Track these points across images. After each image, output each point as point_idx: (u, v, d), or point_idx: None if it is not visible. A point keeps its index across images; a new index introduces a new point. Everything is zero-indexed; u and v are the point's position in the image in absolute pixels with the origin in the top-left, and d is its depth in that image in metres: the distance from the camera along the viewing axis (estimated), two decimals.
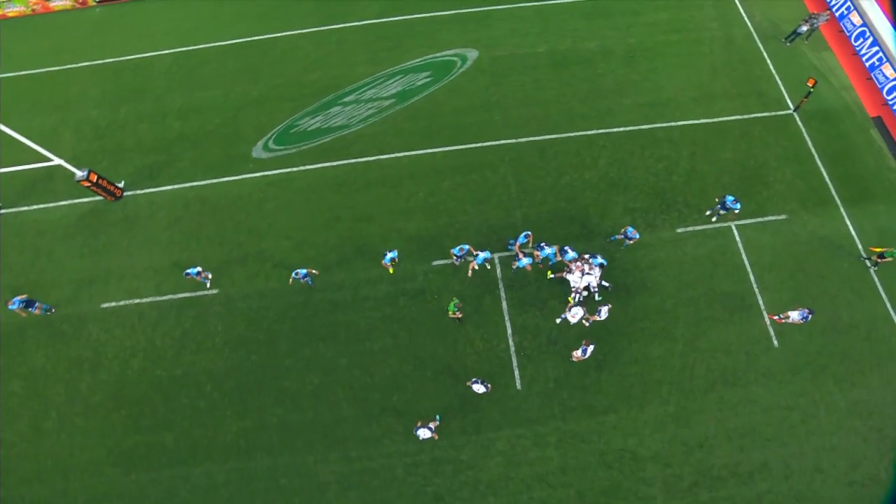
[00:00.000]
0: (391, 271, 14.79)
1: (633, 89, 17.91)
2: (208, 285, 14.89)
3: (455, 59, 18.87)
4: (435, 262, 15.10)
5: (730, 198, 14.69)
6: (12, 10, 20.39)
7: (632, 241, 14.52)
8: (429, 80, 18.47)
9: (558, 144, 17.03)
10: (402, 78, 18.53)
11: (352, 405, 13.63)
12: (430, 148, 17.10)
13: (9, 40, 19.95)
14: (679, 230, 15.48)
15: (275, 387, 13.88)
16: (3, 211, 16.47)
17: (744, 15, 19.39)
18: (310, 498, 12.70)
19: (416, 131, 17.41)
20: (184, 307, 14.88)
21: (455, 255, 14.24)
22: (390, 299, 14.77)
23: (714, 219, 15.44)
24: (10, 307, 13.80)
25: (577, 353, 13.07)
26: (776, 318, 13.86)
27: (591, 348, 12.92)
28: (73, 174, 15.07)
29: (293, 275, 14.06)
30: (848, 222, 15.56)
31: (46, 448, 13.34)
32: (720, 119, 17.23)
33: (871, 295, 14.63)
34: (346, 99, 18.13)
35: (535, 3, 19.96)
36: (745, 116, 17.25)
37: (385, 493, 12.70)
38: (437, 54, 19.00)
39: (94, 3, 20.66)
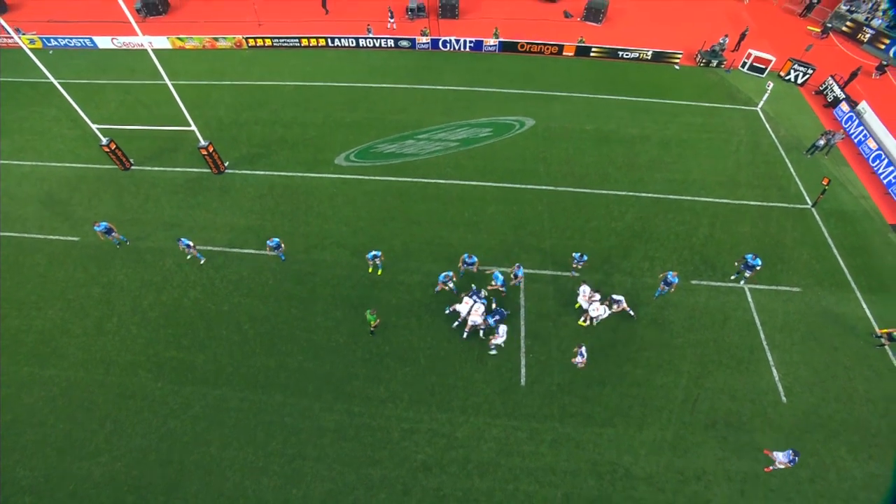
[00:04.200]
0: (370, 270, 16.77)
1: (665, 168, 20.73)
2: (197, 257, 17.18)
3: (515, 123, 22.86)
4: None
5: (749, 255, 16.13)
6: (190, 44, 27.39)
7: (672, 288, 15.73)
8: (490, 134, 22.32)
9: (591, 198, 19.59)
10: (468, 129, 22.52)
11: (366, 366, 14.84)
12: (482, 182, 20.15)
13: (182, 62, 26.51)
14: (693, 282, 16.80)
15: (303, 338, 15.46)
16: (133, 167, 20.70)
17: (769, 129, 22.54)
18: (307, 439, 13.46)
19: (472, 168, 20.71)
20: (246, 260, 17.42)
21: (441, 282, 15.80)
22: (422, 287, 16.62)
23: (741, 282, 16.62)
24: (95, 227, 16.95)
25: (578, 360, 14.23)
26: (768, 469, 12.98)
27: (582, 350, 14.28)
28: (197, 142, 19.23)
29: (267, 242, 16.56)
30: (865, 307, 16.30)
31: (100, 344, 15.28)
32: (741, 202, 19.36)
33: (889, 376, 14.77)
34: (419, 136, 22.14)
35: (589, 95, 24.32)
36: (765, 203, 19.32)
37: (377, 451, 13.25)
38: (501, 117, 23.14)
39: (247, 47, 27.39)
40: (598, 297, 15.23)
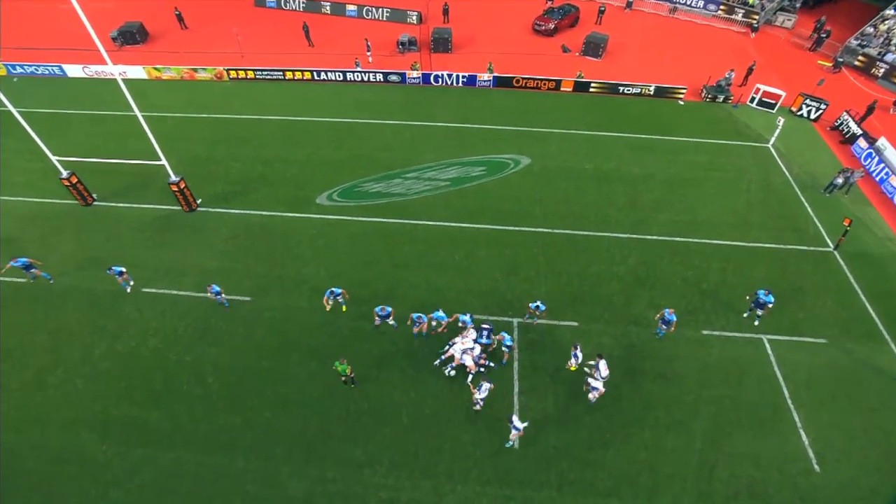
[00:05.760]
0: (327, 310, 16.85)
1: (670, 208, 21.27)
2: (128, 290, 17.72)
3: (509, 161, 23.67)
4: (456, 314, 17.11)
5: (761, 291, 16.29)
6: (167, 75, 28.82)
7: (671, 326, 15.89)
8: (483, 173, 23.04)
9: (590, 240, 19.95)
10: (459, 168, 23.28)
11: (342, 425, 14.52)
12: (473, 223, 20.57)
13: (158, 93, 27.79)
14: (704, 332, 16.82)
15: (273, 391, 15.24)
16: (96, 203, 21.16)
17: (782, 166, 23.38)
18: None
19: (463, 208, 21.22)
20: (214, 306, 17.44)
21: (378, 315, 16.19)
22: (406, 338, 16.56)
23: (756, 322, 16.79)
24: (12, 263, 16.92)
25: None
26: None
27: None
28: (168, 177, 19.79)
29: (208, 288, 16.93)
30: None
31: (38, 400, 14.97)
32: (754, 244, 19.75)
33: None
34: (408, 175, 22.83)
35: (588, 132, 25.37)
36: (781, 246, 19.69)
37: None
38: (495, 156, 23.98)
39: (228, 79, 28.79)
40: (603, 362, 15.00)
